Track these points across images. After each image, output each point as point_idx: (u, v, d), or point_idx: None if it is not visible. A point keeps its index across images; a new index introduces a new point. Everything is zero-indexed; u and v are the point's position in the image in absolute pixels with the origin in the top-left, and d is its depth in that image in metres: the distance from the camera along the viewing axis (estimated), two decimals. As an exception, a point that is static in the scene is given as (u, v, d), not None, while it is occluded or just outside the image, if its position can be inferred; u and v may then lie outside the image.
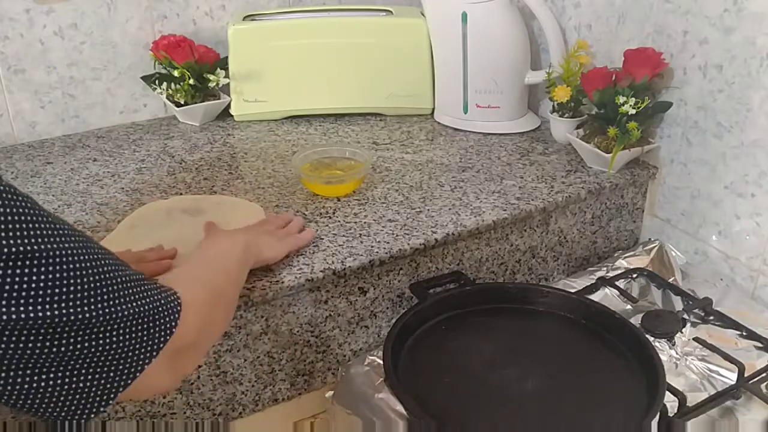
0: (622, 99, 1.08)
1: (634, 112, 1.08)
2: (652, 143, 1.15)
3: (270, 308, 0.90)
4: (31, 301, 0.48)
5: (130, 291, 0.56)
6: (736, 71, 1.01)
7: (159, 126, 1.36)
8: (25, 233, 0.48)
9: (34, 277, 0.48)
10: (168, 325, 0.60)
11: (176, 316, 0.60)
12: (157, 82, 1.31)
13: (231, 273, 0.78)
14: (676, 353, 0.93)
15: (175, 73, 1.29)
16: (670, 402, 0.82)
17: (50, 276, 0.49)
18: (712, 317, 0.99)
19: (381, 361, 0.86)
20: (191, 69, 1.29)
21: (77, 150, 1.25)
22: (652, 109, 1.11)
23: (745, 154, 1.03)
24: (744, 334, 0.96)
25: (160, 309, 0.59)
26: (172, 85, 1.30)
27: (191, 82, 1.29)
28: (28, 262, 0.48)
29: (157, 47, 1.30)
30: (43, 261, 0.49)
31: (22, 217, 0.48)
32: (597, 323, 0.92)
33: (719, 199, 1.09)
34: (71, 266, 0.51)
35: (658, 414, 0.77)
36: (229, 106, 1.36)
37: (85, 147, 1.27)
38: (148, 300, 0.58)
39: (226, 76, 1.32)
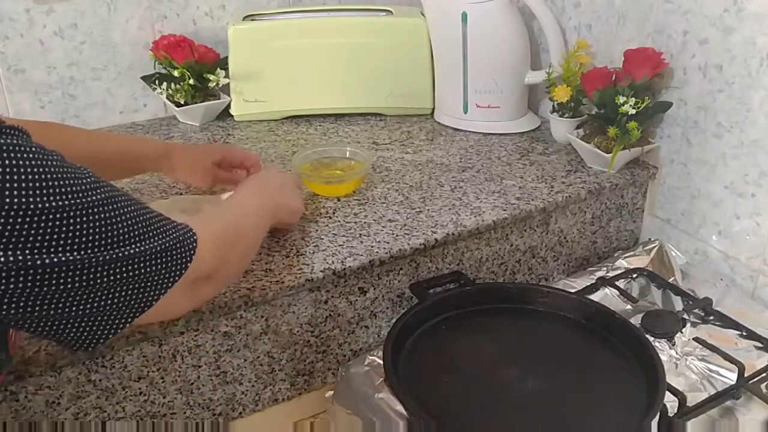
0: (622, 99, 1.08)
1: (634, 112, 1.08)
2: (652, 143, 1.15)
3: (270, 308, 0.90)
4: (60, 249, 0.53)
5: (151, 232, 0.61)
6: (736, 71, 1.01)
7: (159, 126, 1.36)
8: (56, 190, 0.54)
9: (62, 228, 0.54)
10: (184, 259, 0.64)
11: (192, 250, 0.65)
12: (157, 82, 1.31)
13: (248, 213, 0.81)
14: (676, 353, 0.93)
15: (175, 73, 1.29)
16: (670, 402, 0.82)
17: (78, 226, 0.55)
18: (712, 317, 0.99)
19: (381, 361, 0.86)
20: (191, 69, 1.29)
21: (77, 150, 1.25)
22: (652, 109, 1.11)
23: (745, 154, 1.03)
24: (744, 334, 0.96)
25: (177, 244, 0.64)
26: (172, 85, 1.30)
27: (191, 82, 1.29)
28: (56, 216, 0.53)
29: (157, 47, 1.30)
30: (70, 213, 0.54)
31: (53, 175, 0.53)
32: (597, 323, 0.92)
33: (719, 199, 1.09)
34: (96, 215, 0.56)
35: (658, 414, 0.77)
36: (229, 106, 1.36)
37: (85, 147, 1.27)
38: (165, 237, 0.63)
39: (226, 76, 1.32)
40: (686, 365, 0.91)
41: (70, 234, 0.54)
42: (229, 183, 1.03)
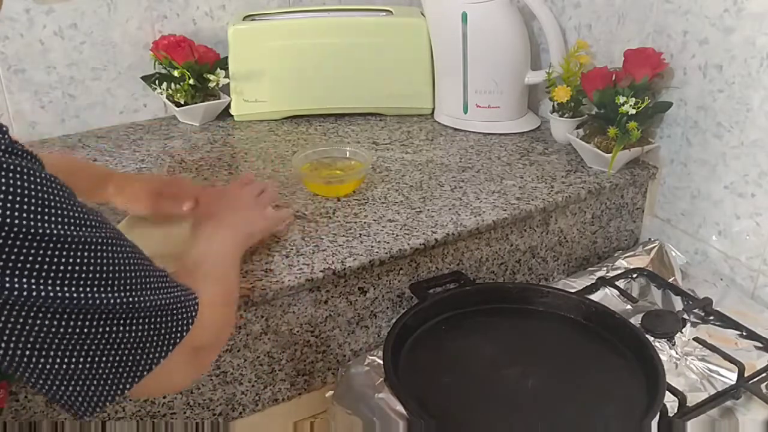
0: (622, 99, 1.08)
1: (634, 112, 1.08)
2: (652, 143, 1.15)
3: (270, 308, 0.90)
4: (59, 282, 0.51)
5: (153, 284, 0.59)
6: (736, 71, 1.01)
7: (159, 126, 1.36)
8: (63, 219, 0.52)
9: (63, 260, 0.51)
10: (184, 322, 0.62)
11: (193, 314, 0.63)
12: (157, 82, 1.31)
13: (232, 267, 0.79)
14: (676, 353, 0.93)
15: (175, 73, 1.29)
16: (670, 402, 0.82)
17: (79, 260, 0.52)
18: (712, 317, 0.99)
19: (381, 361, 0.86)
20: (191, 69, 1.29)
21: (77, 150, 1.25)
22: (652, 109, 1.11)
23: (745, 154, 1.03)
24: (744, 334, 0.96)
25: (178, 305, 0.62)
26: (172, 85, 1.30)
27: (191, 82, 1.29)
28: (60, 245, 0.51)
29: (157, 47, 1.30)
30: (74, 245, 0.52)
31: (62, 204, 0.52)
32: (597, 323, 0.92)
33: (719, 199, 1.09)
34: (100, 253, 0.54)
35: (658, 414, 0.77)
36: (229, 106, 1.36)
37: (85, 147, 1.27)
38: (168, 295, 0.61)
39: (226, 76, 1.32)
40: (686, 365, 0.91)
41: (71, 267, 0.52)
42: (172, 210, 0.95)
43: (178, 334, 0.61)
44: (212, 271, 0.75)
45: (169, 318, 0.60)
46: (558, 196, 1.08)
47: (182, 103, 1.33)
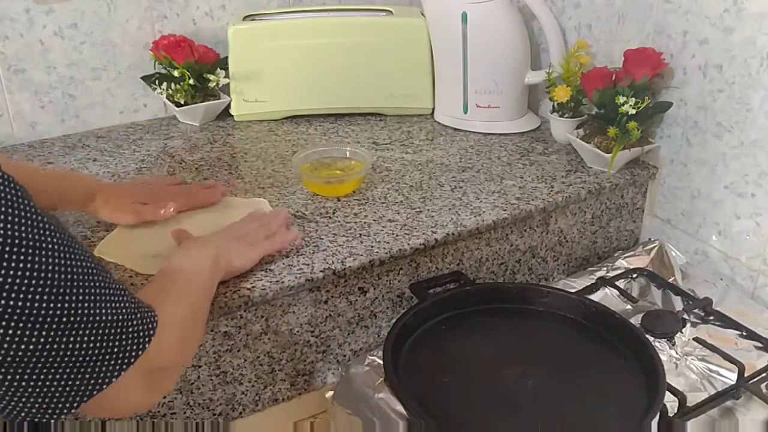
0: (622, 99, 1.08)
1: (634, 112, 1.08)
2: (652, 143, 1.15)
3: (270, 308, 0.90)
4: (6, 288, 0.48)
5: (107, 297, 0.56)
6: (736, 71, 1.01)
7: (159, 126, 1.36)
8: (11, 218, 0.48)
9: (13, 264, 0.48)
10: (141, 340, 0.59)
11: (151, 332, 0.60)
12: (157, 82, 1.31)
13: (204, 288, 0.78)
14: (676, 353, 0.93)
15: (175, 73, 1.29)
16: (670, 402, 0.82)
17: (22, 264, 0.49)
18: (712, 317, 0.99)
19: (381, 361, 0.86)
20: (191, 69, 1.29)
21: (77, 150, 1.25)
22: (652, 109, 1.11)
23: (745, 154, 1.03)
24: (744, 334, 0.96)
25: (135, 322, 0.59)
26: (172, 85, 1.30)
27: (191, 82, 1.29)
28: (7, 248, 0.48)
29: (157, 47, 1.30)
30: (23, 249, 0.49)
31: (12, 203, 0.49)
32: (597, 323, 0.92)
33: (719, 199, 1.09)
34: (50, 259, 0.51)
35: (658, 414, 0.77)
36: (229, 106, 1.36)
37: (85, 147, 1.27)
38: (124, 310, 0.58)
39: (226, 76, 1.32)
40: (686, 365, 0.91)
41: (13, 271, 0.48)
42: (153, 217, 0.97)
43: (134, 353, 0.58)
44: (181, 289, 0.73)
45: (123, 335, 0.57)
46: (558, 196, 1.08)
47: (182, 103, 1.33)
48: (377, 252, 0.94)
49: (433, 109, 1.38)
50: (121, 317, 0.57)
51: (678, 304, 1.03)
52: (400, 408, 0.81)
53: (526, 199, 1.07)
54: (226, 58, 1.33)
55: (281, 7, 1.41)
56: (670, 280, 1.07)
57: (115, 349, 0.57)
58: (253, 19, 1.33)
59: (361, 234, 0.98)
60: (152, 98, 1.37)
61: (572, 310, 0.94)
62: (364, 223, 1.01)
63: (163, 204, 0.96)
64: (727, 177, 1.07)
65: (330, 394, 0.93)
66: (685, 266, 1.13)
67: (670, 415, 0.81)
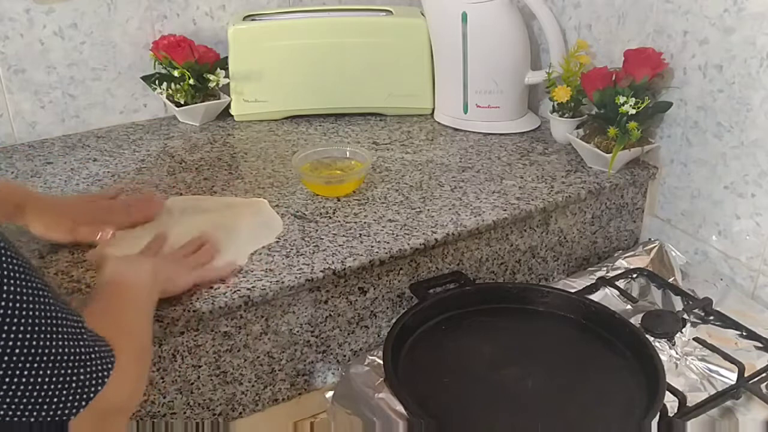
0: (622, 99, 1.08)
1: (634, 112, 1.08)
2: (652, 143, 1.15)
3: (270, 308, 0.90)
4: None
5: (63, 330, 0.54)
6: (736, 71, 1.01)
7: (159, 126, 1.35)
8: None
9: None
10: (97, 377, 0.56)
11: (109, 367, 0.58)
12: (157, 82, 1.31)
13: (147, 309, 0.74)
14: (676, 353, 0.93)
15: (175, 73, 1.29)
16: (670, 402, 0.82)
17: None
18: (712, 317, 0.99)
19: (381, 361, 0.86)
20: (191, 69, 1.29)
21: (77, 150, 1.25)
22: (652, 109, 1.11)
23: (745, 154, 1.03)
24: (744, 334, 0.96)
25: (93, 357, 0.56)
26: (172, 85, 1.30)
27: (191, 82, 1.29)
28: None
29: (157, 47, 1.30)
30: None
31: None
32: (597, 323, 0.92)
33: (719, 199, 1.09)
34: (6, 287, 0.49)
35: (658, 414, 0.77)
36: (229, 106, 1.36)
37: (85, 147, 1.27)
38: (80, 344, 0.55)
39: (226, 76, 1.32)
40: (686, 365, 0.91)
41: None
42: (88, 239, 0.93)
43: (91, 390, 0.55)
44: (129, 315, 0.70)
45: (80, 371, 0.54)
46: (558, 196, 1.08)
47: (182, 103, 1.33)
48: (377, 252, 0.94)
49: (433, 109, 1.38)
50: (78, 350, 0.54)
51: (678, 304, 1.03)
52: (400, 408, 0.81)
53: (526, 199, 1.07)
54: (226, 58, 1.33)
55: (281, 7, 1.41)
56: (670, 280, 1.07)
57: (72, 386, 0.54)
58: (253, 19, 1.33)
59: (361, 234, 0.98)
60: (152, 98, 1.37)
61: (572, 310, 0.94)
62: (364, 223, 1.01)
63: (101, 226, 0.92)
64: (727, 177, 1.07)
65: (330, 394, 0.93)
66: (685, 266, 1.13)
67: (670, 415, 0.81)
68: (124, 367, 0.60)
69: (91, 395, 0.55)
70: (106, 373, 0.57)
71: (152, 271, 0.79)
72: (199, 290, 0.86)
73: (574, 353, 0.90)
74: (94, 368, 0.56)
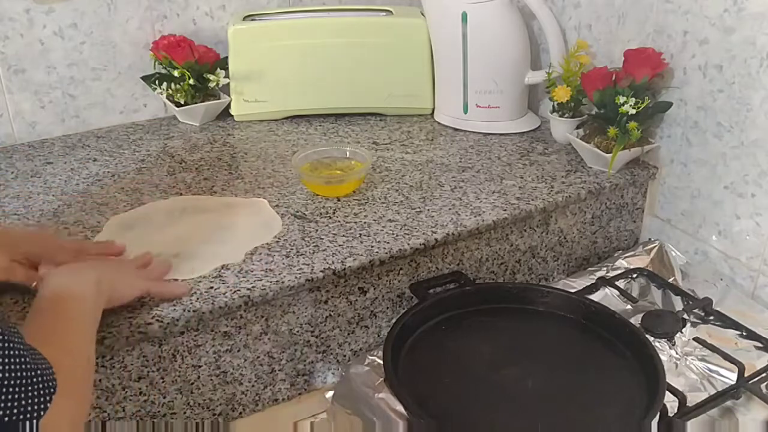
0: (622, 99, 1.08)
1: (634, 112, 1.08)
2: (652, 143, 1.15)
3: (270, 308, 0.90)
4: None
5: (5, 354, 0.52)
6: (736, 71, 1.01)
7: (159, 126, 1.36)
8: None
9: None
10: (42, 400, 0.55)
11: (51, 393, 0.56)
12: (157, 82, 1.31)
13: (90, 325, 0.71)
14: (676, 353, 0.93)
15: (175, 73, 1.29)
16: (670, 402, 0.82)
17: None
18: (712, 317, 0.99)
19: (381, 361, 0.86)
20: (191, 69, 1.29)
21: (77, 150, 1.25)
22: (652, 109, 1.11)
23: (745, 154, 1.03)
24: (744, 334, 0.96)
25: (35, 381, 0.54)
26: (172, 85, 1.30)
27: (191, 82, 1.29)
28: None
29: (157, 47, 1.30)
30: None
31: None
32: (597, 323, 0.92)
33: (719, 199, 1.09)
34: None
35: (658, 414, 0.77)
36: (229, 106, 1.36)
37: (85, 147, 1.27)
38: (23, 369, 0.53)
39: (226, 76, 1.32)
40: (686, 365, 0.91)
41: None
42: (24, 280, 0.83)
43: (33, 414, 0.54)
44: (72, 337, 0.66)
45: (22, 396, 0.53)
46: (558, 196, 1.08)
47: (182, 103, 1.33)
48: (377, 252, 0.94)
49: (433, 109, 1.38)
50: (19, 375, 0.53)
51: (678, 304, 1.03)
52: (400, 408, 0.81)
53: (526, 199, 1.07)
54: (226, 58, 1.33)
55: (281, 7, 1.41)
56: (670, 280, 1.07)
57: (14, 411, 0.52)
58: (253, 19, 1.33)
59: (361, 234, 0.98)
60: (152, 98, 1.37)
61: (572, 310, 0.94)
62: (364, 223, 1.01)
63: (45, 266, 0.83)
64: (727, 177, 1.07)
65: (330, 394, 0.93)
66: (685, 266, 1.13)
67: (670, 415, 0.81)
68: (67, 389, 0.58)
69: (34, 421, 0.54)
70: (48, 398, 0.56)
71: (96, 281, 0.74)
72: (147, 303, 0.82)
73: (574, 353, 0.90)
74: (36, 392, 0.55)
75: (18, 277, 0.82)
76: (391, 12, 1.35)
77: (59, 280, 0.73)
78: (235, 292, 0.86)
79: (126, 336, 0.80)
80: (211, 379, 0.90)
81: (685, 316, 0.98)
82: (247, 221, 1.01)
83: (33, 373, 0.55)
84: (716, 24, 1.02)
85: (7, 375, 0.52)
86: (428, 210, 1.04)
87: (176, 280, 0.88)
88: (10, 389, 0.53)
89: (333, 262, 0.92)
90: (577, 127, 1.20)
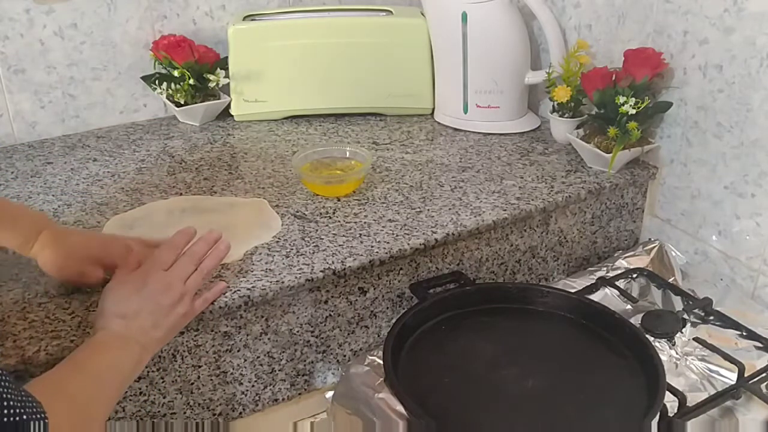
0: (622, 99, 1.08)
1: (634, 112, 1.08)
2: (652, 143, 1.15)
3: (270, 308, 0.90)
4: None
5: None
6: (736, 71, 1.01)
7: (159, 126, 1.36)
8: None
9: None
10: None
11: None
12: (157, 82, 1.31)
13: (108, 385, 0.70)
14: (676, 353, 0.93)
15: (175, 73, 1.29)
16: (670, 402, 0.82)
17: None
18: (712, 317, 0.99)
19: (381, 361, 0.86)
20: (191, 69, 1.29)
21: (77, 150, 1.25)
22: (652, 109, 1.11)
23: (745, 154, 1.03)
24: (744, 334, 0.96)
25: (19, 421, 0.53)
26: (172, 85, 1.30)
27: (191, 82, 1.29)
28: None
29: (157, 47, 1.30)
30: None
31: None
32: (597, 323, 0.92)
33: (719, 199, 1.09)
34: None
35: (658, 414, 0.77)
36: (229, 106, 1.36)
37: (85, 147, 1.27)
38: (6, 405, 0.52)
39: (226, 76, 1.32)
40: (686, 365, 0.91)
41: None
42: (100, 282, 0.84)
43: None
44: (76, 385, 0.65)
45: None
46: (558, 196, 1.08)
47: (182, 103, 1.33)
48: (377, 252, 0.94)
49: (433, 109, 1.38)
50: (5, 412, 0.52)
51: (678, 304, 1.03)
52: (400, 408, 0.81)
53: (526, 199, 1.07)
54: (226, 58, 1.33)
55: (281, 7, 1.41)
56: (670, 280, 1.07)
57: None
58: (253, 19, 1.33)
59: (361, 234, 0.98)
60: (152, 98, 1.37)
61: (572, 310, 0.94)
62: (364, 223, 1.01)
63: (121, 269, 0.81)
64: (727, 177, 1.07)
65: (330, 394, 0.93)
66: (685, 266, 1.13)
67: (670, 415, 0.81)
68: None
69: None
70: None
71: (138, 360, 0.73)
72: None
73: (574, 353, 0.90)
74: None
75: (91, 280, 0.84)
76: (391, 12, 1.35)
77: (103, 338, 0.72)
78: (235, 292, 0.86)
79: (126, 336, 0.79)
80: (211, 379, 0.90)
81: (685, 316, 0.98)
82: (247, 221, 1.01)
83: (14, 411, 0.53)
84: (716, 24, 1.02)
85: None
86: (428, 210, 1.04)
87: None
88: None
89: (333, 262, 0.92)
90: (577, 127, 1.20)
